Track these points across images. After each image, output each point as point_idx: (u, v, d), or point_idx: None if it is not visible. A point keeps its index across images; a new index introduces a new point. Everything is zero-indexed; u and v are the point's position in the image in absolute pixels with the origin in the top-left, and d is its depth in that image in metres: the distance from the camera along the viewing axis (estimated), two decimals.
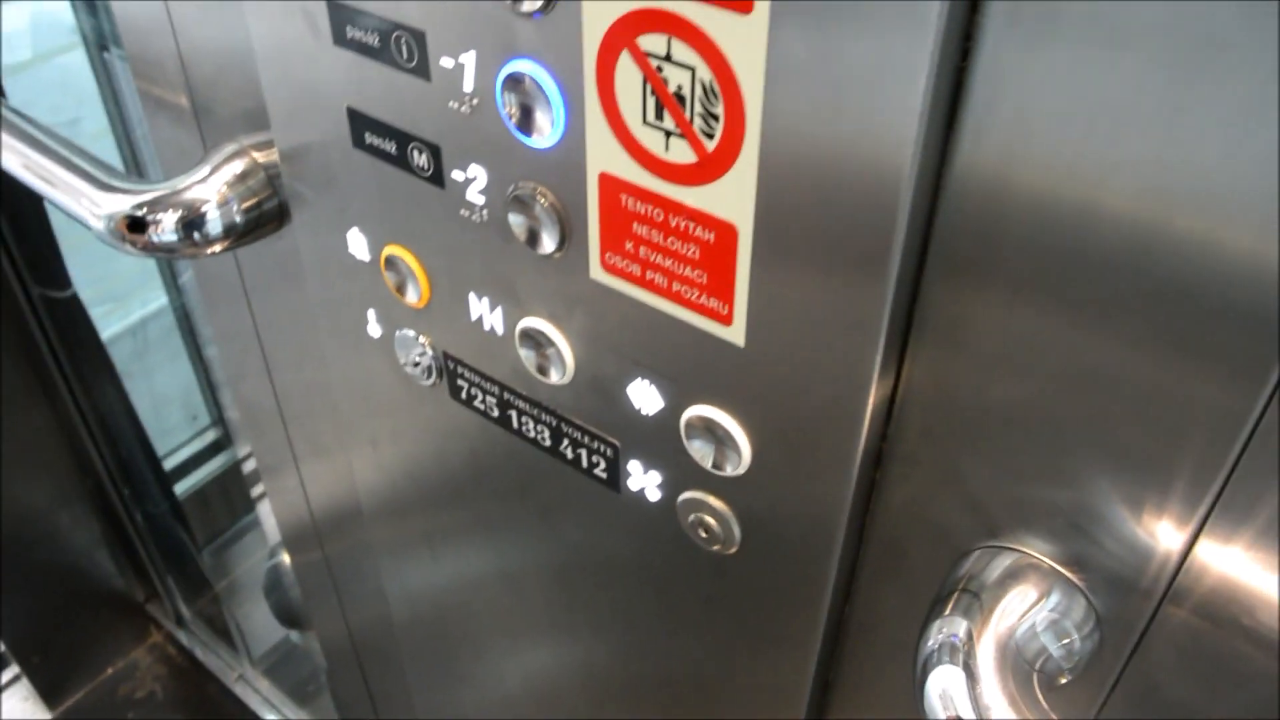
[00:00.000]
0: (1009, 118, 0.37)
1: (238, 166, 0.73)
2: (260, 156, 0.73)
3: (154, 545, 1.75)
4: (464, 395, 0.65)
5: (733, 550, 0.56)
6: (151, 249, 0.75)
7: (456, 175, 0.53)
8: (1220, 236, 0.35)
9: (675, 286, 0.47)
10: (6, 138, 0.80)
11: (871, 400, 0.45)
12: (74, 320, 1.46)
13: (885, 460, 0.49)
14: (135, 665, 1.86)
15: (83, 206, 0.74)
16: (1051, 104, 0.36)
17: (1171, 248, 0.36)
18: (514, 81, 0.47)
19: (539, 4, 0.43)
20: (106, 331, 1.60)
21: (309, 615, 1.23)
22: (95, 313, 1.65)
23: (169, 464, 1.76)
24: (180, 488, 1.78)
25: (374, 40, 0.52)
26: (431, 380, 0.66)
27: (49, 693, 1.77)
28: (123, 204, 0.73)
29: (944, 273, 0.42)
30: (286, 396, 0.92)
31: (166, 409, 1.71)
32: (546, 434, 0.61)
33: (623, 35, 0.42)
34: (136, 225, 0.73)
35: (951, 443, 0.46)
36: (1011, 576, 0.48)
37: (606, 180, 0.47)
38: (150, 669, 1.86)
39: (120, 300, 1.66)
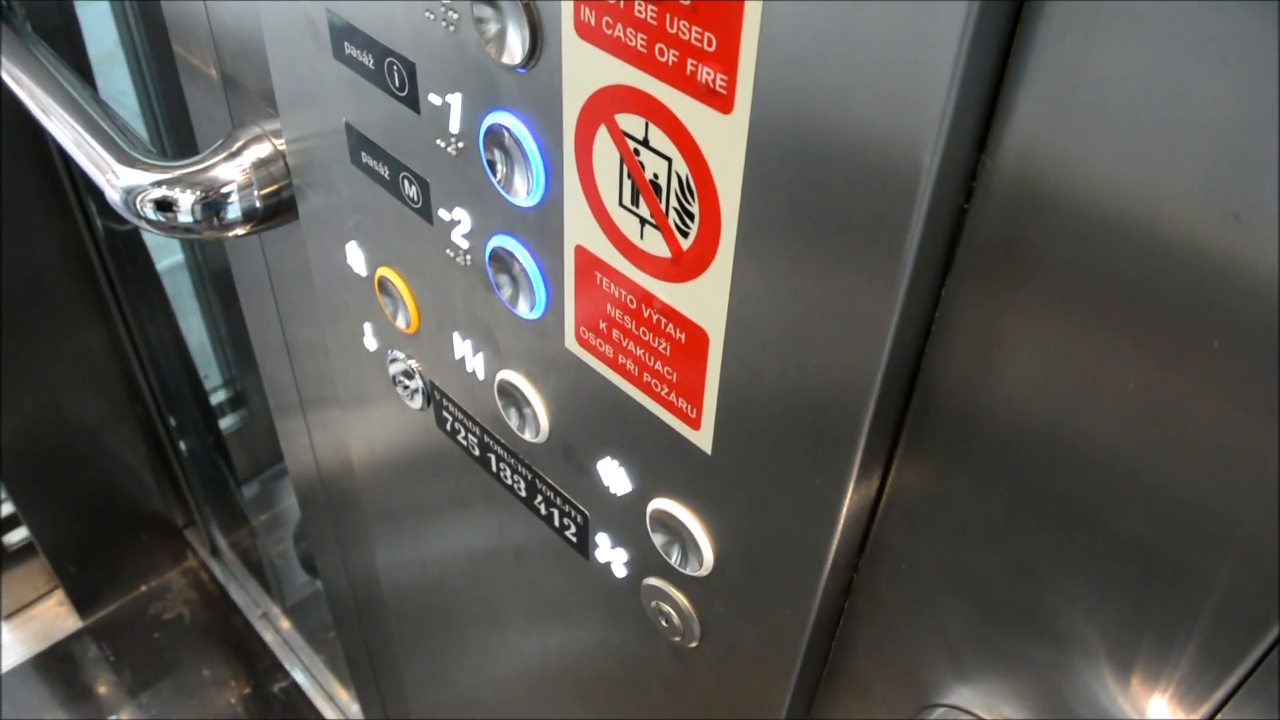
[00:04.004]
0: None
1: (259, 151, 0.70)
2: (281, 144, 0.70)
3: (195, 475, 1.77)
4: (449, 428, 0.62)
5: (693, 644, 0.52)
6: (169, 228, 0.72)
7: (444, 214, 0.50)
8: None
9: (646, 377, 0.43)
10: (45, 96, 0.79)
11: (839, 532, 0.40)
12: (133, 253, 1.46)
13: (855, 592, 0.44)
14: (168, 587, 1.90)
15: (104, 177, 0.72)
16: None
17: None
18: (495, 133, 0.42)
19: (519, 58, 0.39)
20: (165, 262, 1.60)
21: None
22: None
23: (216, 398, 1.77)
24: (225, 422, 1.79)
25: (368, 61, 0.48)
26: (420, 405, 0.63)
27: (82, 603, 1.82)
28: (141, 179, 0.71)
29: (915, 447, 0.37)
30: (303, 375, 0.90)
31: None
32: (522, 485, 0.57)
33: (602, 109, 0.37)
34: (159, 204, 0.71)
35: (927, 585, 0.41)
36: None
37: (582, 254, 0.42)
38: (182, 593, 1.89)
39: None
